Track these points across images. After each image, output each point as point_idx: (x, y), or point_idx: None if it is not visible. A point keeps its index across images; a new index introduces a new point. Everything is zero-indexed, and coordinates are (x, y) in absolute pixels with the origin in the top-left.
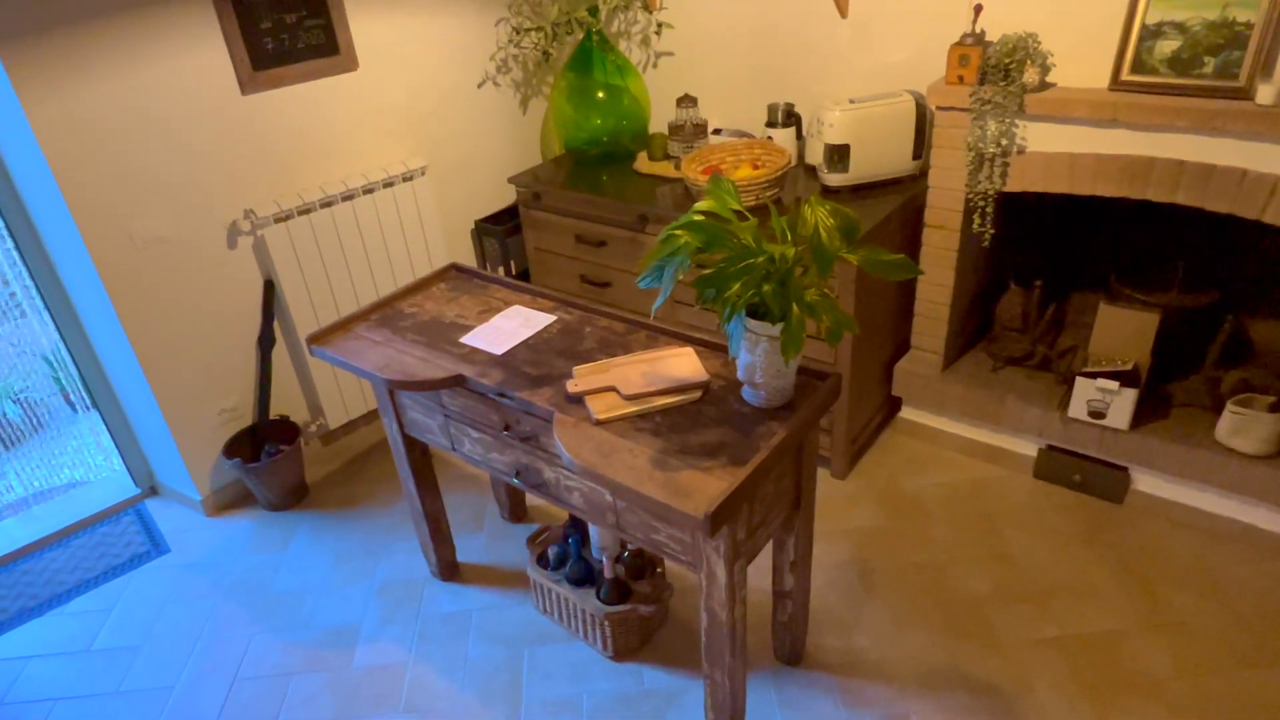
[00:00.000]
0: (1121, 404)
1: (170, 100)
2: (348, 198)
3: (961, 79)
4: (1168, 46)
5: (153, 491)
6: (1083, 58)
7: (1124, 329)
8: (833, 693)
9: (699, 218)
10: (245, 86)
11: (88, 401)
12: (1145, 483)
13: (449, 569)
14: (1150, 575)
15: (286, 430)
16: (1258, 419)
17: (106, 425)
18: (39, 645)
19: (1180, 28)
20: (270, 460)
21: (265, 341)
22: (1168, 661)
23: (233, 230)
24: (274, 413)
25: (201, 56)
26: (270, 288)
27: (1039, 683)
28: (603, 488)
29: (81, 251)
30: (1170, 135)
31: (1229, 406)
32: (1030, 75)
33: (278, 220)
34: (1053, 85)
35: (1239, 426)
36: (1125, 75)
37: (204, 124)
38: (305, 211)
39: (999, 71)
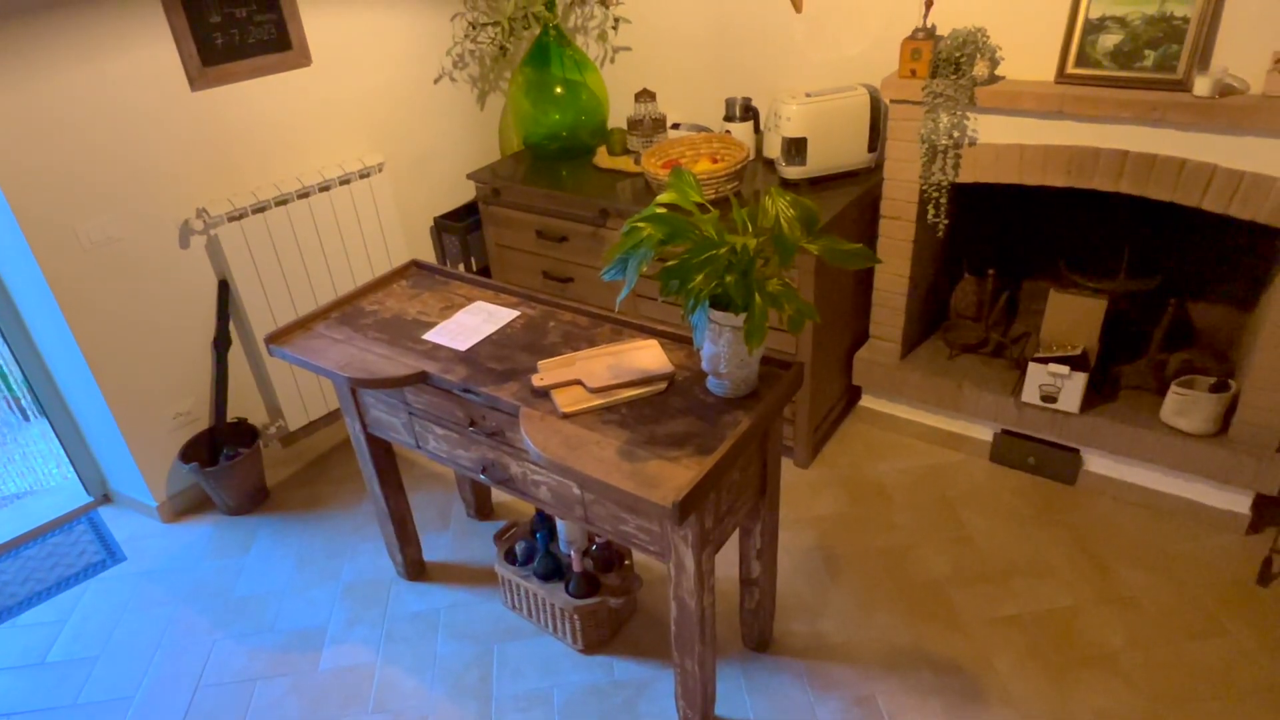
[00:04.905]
0: (1072, 388)
1: (118, 97)
2: (303, 195)
3: (914, 72)
4: (1110, 40)
5: (106, 499)
6: (1030, 51)
7: (1073, 315)
8: (800, 677)
9: (661, 210)
10: (195, 83)
11: (35, 408)
12: (1096, 463)
13: (415, 568)
14: (1102, 553)
15: (245, 433)
16: (1200, 399)
17: (55, 432)
18: None
19: (1121, 22)
20: (229, 463)
21: (220, 343)
22: (1121, 635)
23: (185, 230)
24: (231, 415)
25: (149, 52)
26: (225, 288)
27: (999, 659)
28: (570, 480)
29: (25, 252)
30: (1114, 126)
31: (1173, 388)
32: (980, 68)
33: (231, 219)
34: (1002, 78)
35: (1182, 407)
36: (1070, 68)
37: (153, 121)
38: (260, 210)
39: (950, 65)
